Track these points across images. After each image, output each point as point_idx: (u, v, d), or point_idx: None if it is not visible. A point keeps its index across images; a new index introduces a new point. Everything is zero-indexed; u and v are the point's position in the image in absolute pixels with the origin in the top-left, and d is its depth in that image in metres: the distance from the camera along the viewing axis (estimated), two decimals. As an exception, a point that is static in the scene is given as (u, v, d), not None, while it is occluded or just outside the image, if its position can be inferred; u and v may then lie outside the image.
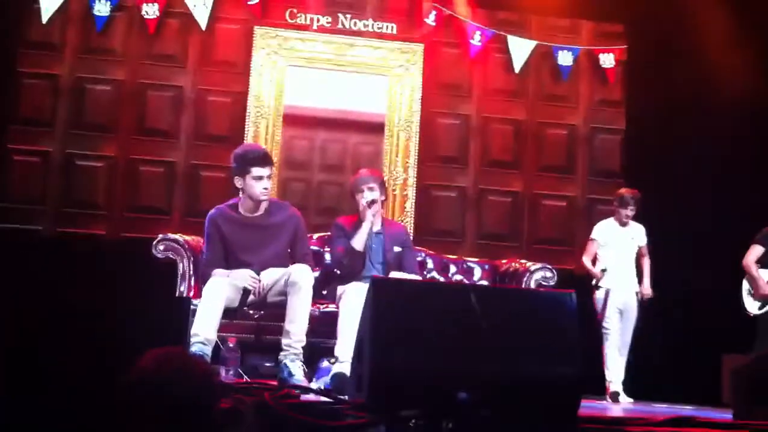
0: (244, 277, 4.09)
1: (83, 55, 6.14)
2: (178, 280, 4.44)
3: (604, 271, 5.51)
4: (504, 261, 5.34)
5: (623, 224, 5.73)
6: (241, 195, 4.36)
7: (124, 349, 2.69)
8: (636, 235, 5.78)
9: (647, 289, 5.68)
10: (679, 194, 6.31)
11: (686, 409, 4.14)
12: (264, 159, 4.29)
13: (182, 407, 1.91)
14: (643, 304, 5.68)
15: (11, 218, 5.80)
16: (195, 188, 6.17)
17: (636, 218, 5.84)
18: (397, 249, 4.65)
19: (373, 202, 4.53)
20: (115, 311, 4.34)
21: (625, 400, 5.42)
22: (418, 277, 4.53)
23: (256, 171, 4.22)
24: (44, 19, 6.02)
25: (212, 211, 4.39)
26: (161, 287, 4.51)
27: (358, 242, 4.49)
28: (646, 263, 5.77)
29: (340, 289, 4.40)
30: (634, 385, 5.55)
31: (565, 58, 6.68)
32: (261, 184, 4.23)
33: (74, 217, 5.94)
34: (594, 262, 5.69)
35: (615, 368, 5.53)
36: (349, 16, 6.51)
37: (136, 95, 6.18)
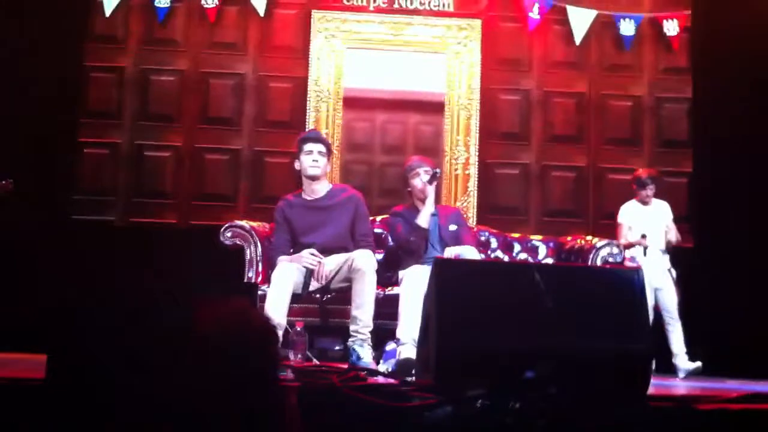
0: (305, 255, 4.18)
1: (146, 46, 6.28)
2: (246, 266, 4.52)
3: (644, 236, 5.48)
4: (569, 238, 5.29)
5: (645, 204, 5.68)
6: (303, 181, 4.50)
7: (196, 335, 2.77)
8: (662, 212, 5.71)
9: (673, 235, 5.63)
10: (749, 161, 6.13)
11: (760, 386, 4.04)
12: (315, 138, 4.54)
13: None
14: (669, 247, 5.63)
15: (85, 210, 5.99)
16: (259, 174, 6.27)
17: (710, 190, 5.72)
18: (453, 227, 4.66)
19: (434, 176, 4.57)
20: (186, 298, 4.46)
21: (694, 365, 5.35)
22: (474, 249, 4.52)
23: (307, 147, 4.43)
24: (107, 12, 6.17)
25: (279, 201, 4.53)
26: (230, 273, 4.61)
27: (423, 219, 4.51)
28: (673, 233, 5.68)
29: (401, 273, 4.43)
30: (707, 361, 5.44)
31: (627, 27, 6.54)
32: (310, 157, 4.40)
33: (145, 206, 6.11)
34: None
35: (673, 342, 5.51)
36: (405, -6, 6.48)
37: (198, 84, 6.30)
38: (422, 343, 3.14)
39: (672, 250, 5.71)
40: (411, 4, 6.47)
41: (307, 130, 5.93)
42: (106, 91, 6.21)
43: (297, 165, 4.51)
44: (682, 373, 5.41)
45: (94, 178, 6.09)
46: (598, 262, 4.73)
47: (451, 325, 2.90)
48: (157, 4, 6.23)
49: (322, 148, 4.45)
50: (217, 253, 4.82)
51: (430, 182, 4.56)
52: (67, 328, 2.82)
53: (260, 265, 4.56)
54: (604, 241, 4.91)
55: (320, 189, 4.48)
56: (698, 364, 5.38)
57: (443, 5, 6.48)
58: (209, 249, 4.96)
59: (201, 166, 6.23)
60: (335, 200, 4.47)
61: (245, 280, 4.50)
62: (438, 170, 4.68)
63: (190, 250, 5.47)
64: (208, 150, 6.25)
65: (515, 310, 2.95)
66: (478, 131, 6.38)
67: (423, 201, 4.58)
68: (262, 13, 6.30)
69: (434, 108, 6.52)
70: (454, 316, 2.91)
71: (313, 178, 4.45)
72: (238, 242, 4.57)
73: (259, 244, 4.56)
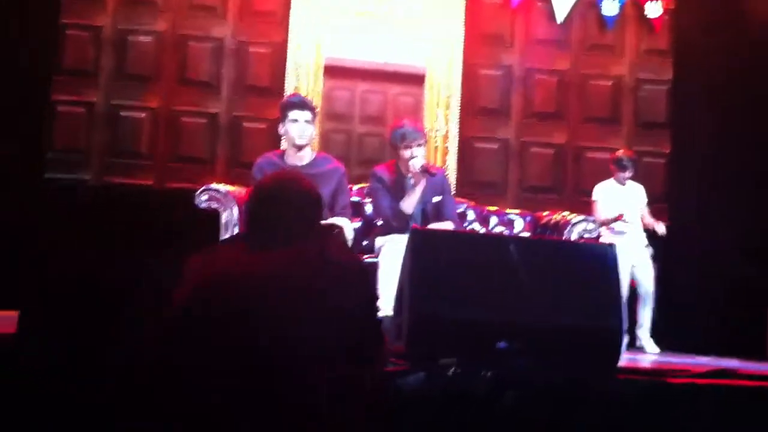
0: None
1: (124, 6, 6.15)
2: (221, 230, 4.48)
3: (622, 214, 5.53)
4: (545, 213, 5.31)
5: (621, 184, 5.79)
6: (285, 144, 4.44)
7: (170, 297, 2.76)
8: (636, 194, 5.82)
9: (656, 225, 5.70)
10: (727, 145, 6.18)
11: (730, 362, 4.10)
12: (300, 104, 4.37)
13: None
14: (663, 236, 5.69)
15: (58, 168, 5.90)
16: (237, 139, 6.20)
17: (687, 171, 5.76)
18: (436, 199, 4.57)
19: (427, 171, 4.40)
20: (162, 260, 4.43)
21: (653, 350, 5.47)
22: (452, 225, 4.48)
23: (292, 114, 4.29)
24: (85, -31, 6.04)
25: (259, 158, 4.44)
26: (206, 237, 4.56)
27: (409, 205, 4.40)
28: (648, 218, 5.78)
29: (379, 240, 4.41)
30: (675, 337, 5.53)
31: (609, 8, 6.53)
32: (297, 126, 4.28)
33: (120, 167, 6.01)
34: None
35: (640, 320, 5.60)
36: (389, -35, 6.41)
37: (177, 46, 6.19)
38: (397, 312, 3.14)
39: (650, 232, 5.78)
40: (395, -26, 6.40)
41: (289, 94, 5.84)
42: (82, 49, 6.08)
43: (281, 130, 4.36)
44: (643, 344, 5.51)
45: (68, 136, 5.98)
46: (573, 237, 4.76)
47: (425, 294, 2.91)
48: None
49: (308, 115, 4.32)
50: (192, 215, 4.77)
51: (423, 173, 4.40)
52: (41, 285, 2.79)
53: (236, 229, 4.52)
54: (580, 217, 4.93)
55: (305, 156, 4.38)
56: (657, 350, 5.50)
57: (428, -23, 6.42)
58: (185, 211, 4.92)
59: (178, 129, 6.14)
60: (319, 169, 4.35)
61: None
62: (422, 154, 4.48)
63: (165, 211, 5.43)
64: (185, 113, 6.16)
65: (489, 281, 2.96)
66: (458, 105, 6.36)
67: (409, 171, 4.47)
68: (243, -24, 6.21)
69: (415, 80, 6.49)
70: (428, 286, 2.92)
71: (300, 148, 4.36)
72: (213, 206, 4.52)
73: (235, 208, 4.52)
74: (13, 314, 2.60)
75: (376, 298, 2.18)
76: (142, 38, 6.17)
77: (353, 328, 1.96)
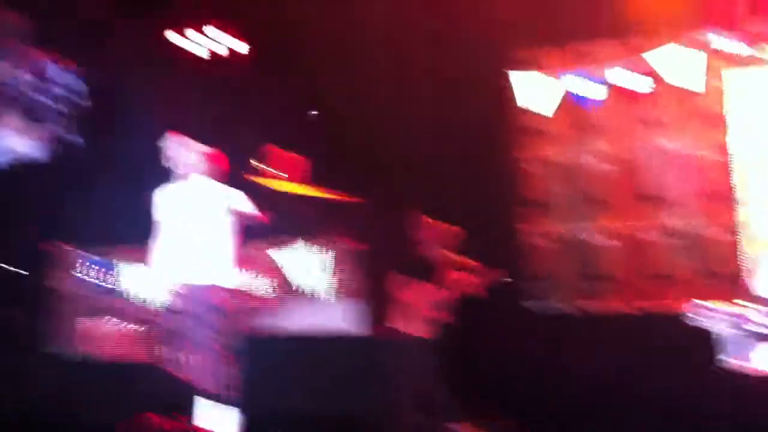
0: None
1: (572, 133, 6.44)
2: (718, 348, 4.35)
3: None
4: None
5: None
6: None
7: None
8: None
9: None
10: None
11: None
12: None
13: None
14: None
15: (532, 296, 6.28)
16: (698, 251, 6.02)
17: None
18: None
19: None
20: (648, 377, 4.46)
21: None
22: None
23: None
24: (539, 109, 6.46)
25: None
26: (702, 355, 4.46)
27: None
28: None
29: None
30: None
31: None
32: None
33: (589, 290, 6.22)
34: None
35: None
36: None
37: (626, 164, 6.29)
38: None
39: None
40: None
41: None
42: (536, 179, 6.47)
43: None
44: None
45: (536, 265, 6.35)
46: None
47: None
48: (578, 92, 6.38)
49: None
50: (672, 334, 4.74)
51: None
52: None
53: (729, 345, 4.34)
54: None
55: None
56: None
57: None
58: (663, 330, 4.91)
59: (638, 247, 6.16)
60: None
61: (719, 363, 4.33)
62: None
63: (640, 331, 5.45)
64: (643, 230, 6.18)
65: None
66: None
67: None
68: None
69: None
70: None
71: None
72: (707, 324, 4.42)
73: (727, 325, 4.35)
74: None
75: None
76: (591, 161, 6.39)
77: None
